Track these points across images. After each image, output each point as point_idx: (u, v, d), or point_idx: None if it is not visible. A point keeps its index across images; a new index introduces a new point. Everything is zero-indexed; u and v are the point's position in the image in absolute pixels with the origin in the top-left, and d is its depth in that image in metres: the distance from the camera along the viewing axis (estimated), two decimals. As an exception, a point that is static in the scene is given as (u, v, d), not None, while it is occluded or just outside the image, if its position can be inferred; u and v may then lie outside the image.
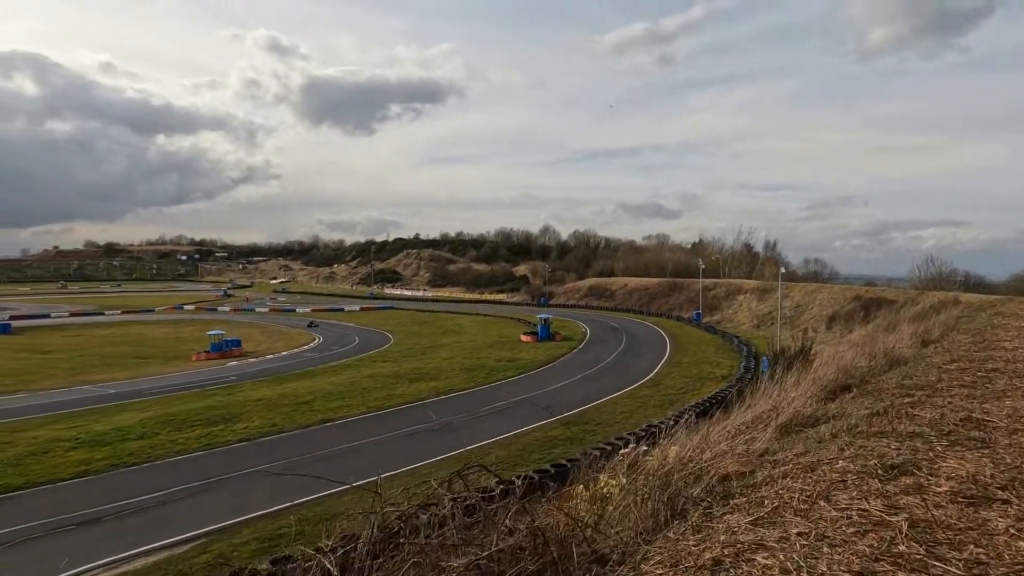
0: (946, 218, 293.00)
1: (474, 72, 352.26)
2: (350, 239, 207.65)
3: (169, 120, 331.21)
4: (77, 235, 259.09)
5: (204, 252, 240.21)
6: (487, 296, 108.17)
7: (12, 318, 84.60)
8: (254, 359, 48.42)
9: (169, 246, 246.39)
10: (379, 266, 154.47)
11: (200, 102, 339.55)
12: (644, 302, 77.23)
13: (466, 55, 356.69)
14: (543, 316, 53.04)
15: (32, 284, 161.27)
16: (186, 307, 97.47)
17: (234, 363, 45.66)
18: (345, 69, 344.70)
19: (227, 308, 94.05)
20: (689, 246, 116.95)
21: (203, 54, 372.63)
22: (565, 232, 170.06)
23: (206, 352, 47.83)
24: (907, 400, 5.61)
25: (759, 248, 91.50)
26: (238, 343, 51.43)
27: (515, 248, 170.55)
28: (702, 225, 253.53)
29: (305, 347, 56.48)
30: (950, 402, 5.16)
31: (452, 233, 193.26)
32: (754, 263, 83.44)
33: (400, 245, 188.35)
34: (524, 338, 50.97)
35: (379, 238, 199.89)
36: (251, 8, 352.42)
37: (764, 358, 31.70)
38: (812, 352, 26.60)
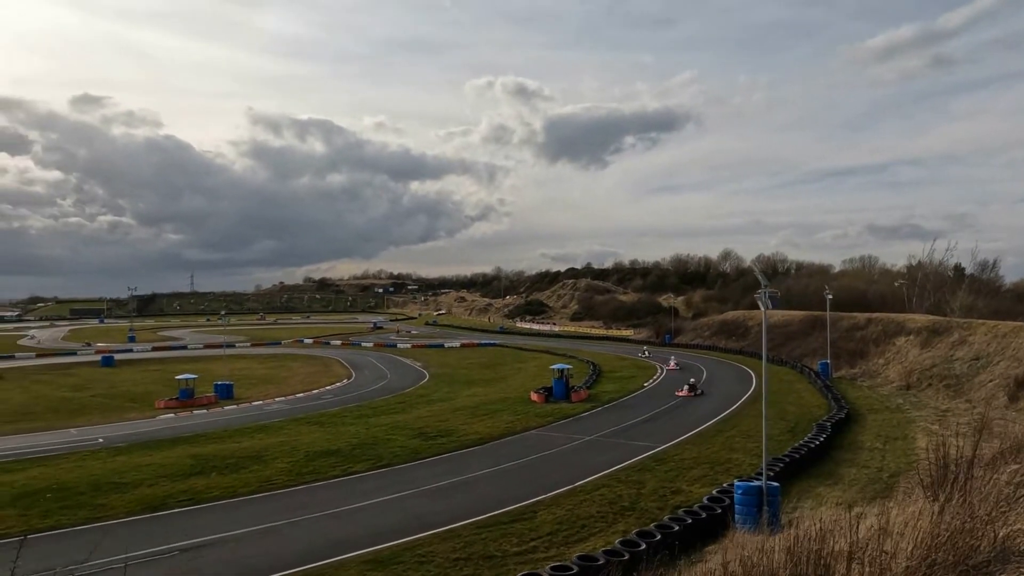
0: None
1: (713, 97, 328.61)
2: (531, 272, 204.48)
3: (423, 168, 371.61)
4: (339, 271, 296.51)
5: (398, 285, 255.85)
6: (613, 332, 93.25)
7: (155, 349, 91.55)
8: (227, 408, 42.04)
9: (370, 280, 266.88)
10: (531, 297, 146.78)
11: (450, 149, 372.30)
12: (779, 343, 57.68)
13: (707, 82, 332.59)
14: (558, 367, 39.05)
15: (241, 316, 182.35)
16: (333, 342, 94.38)
17: (187, 413, 39.64)
18: (583, 106, 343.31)
19: (338, 343, 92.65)
20: (904, 269, 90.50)
21: (458, 105, 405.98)
22: (749, 257, 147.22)
23: (172, 399, 42.51)
24: None
25: (971, 268, 64.90)
26: (228, 388, 45.70)
27: (688, 277, 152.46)
28: (974, 247, 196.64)
29: (322, 390, 49.31)
30: None
31: (627, 262, 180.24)
32: (958, 289, 58.79)
33: (571, 274, 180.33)
34: (533, 396, 37.78)
35: (554, 268, 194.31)
36: (503, 57, 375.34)
37: (737, 483, 15.73)
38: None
